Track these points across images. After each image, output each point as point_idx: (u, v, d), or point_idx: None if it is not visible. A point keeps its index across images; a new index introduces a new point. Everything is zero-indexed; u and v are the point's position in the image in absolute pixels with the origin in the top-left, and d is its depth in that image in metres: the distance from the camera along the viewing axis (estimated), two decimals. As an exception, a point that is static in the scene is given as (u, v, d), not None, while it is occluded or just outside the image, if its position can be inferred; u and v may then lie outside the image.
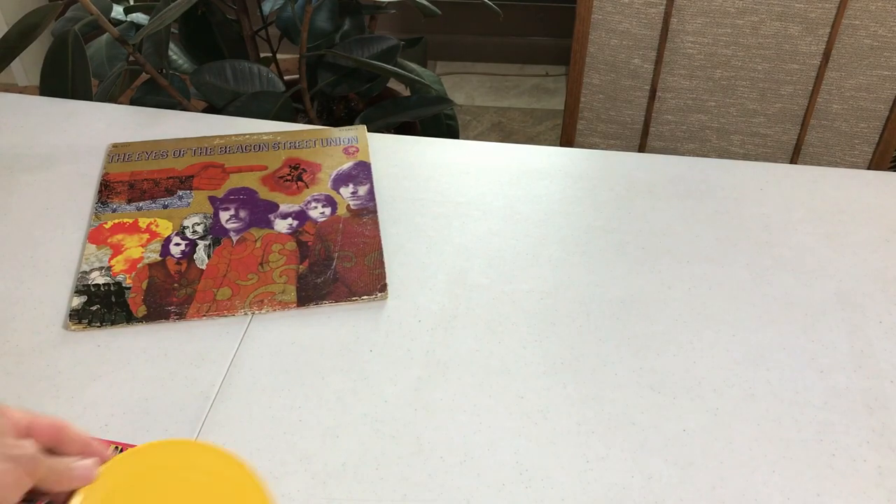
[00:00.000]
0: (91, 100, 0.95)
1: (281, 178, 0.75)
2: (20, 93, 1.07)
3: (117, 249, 0.68)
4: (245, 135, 0.79)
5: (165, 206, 0.72)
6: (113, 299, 0.63)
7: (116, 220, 0.70)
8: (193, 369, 0.59)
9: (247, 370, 0.59)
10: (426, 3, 1.22)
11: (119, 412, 0.56)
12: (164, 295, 0.64)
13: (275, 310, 0.63)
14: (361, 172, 0.75)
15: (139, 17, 1.11)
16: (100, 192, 0.73)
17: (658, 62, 1.30)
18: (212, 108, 1.17)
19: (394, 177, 0.76)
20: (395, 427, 0.55)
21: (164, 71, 1.07)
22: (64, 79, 0.95)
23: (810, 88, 1.28)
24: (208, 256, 0.67)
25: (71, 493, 0.41)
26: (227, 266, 0.66)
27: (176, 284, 0.65)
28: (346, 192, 0.73)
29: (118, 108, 0.85)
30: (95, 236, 0.69)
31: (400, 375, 0.58)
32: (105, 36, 1.14)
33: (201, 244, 0.68)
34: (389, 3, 1.22)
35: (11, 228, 0.71)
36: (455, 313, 0.63)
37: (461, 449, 0.54)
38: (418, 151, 0.79)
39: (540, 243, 0.69)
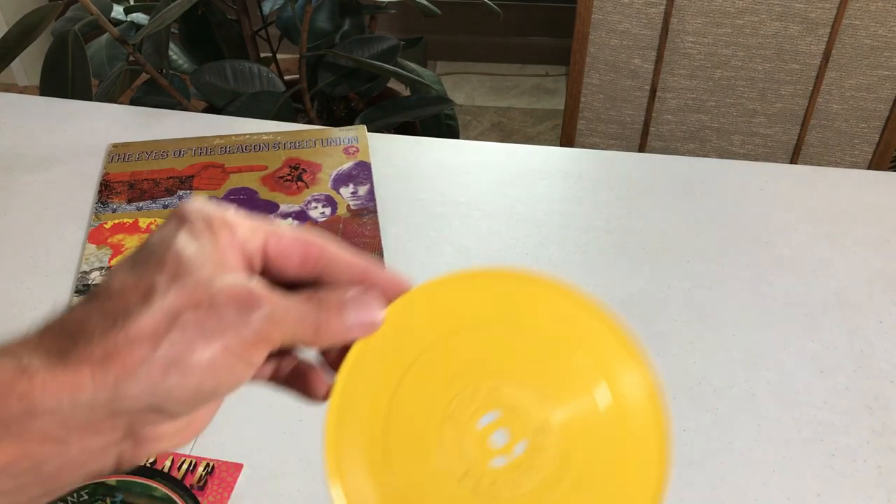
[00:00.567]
0: (91, 100, 0.95)
1: (281, 178, 0.75)
2: (20, 93, 1.07)
3: (117, 249, 0.68)
4: (245, 135, 0.79)
5: (166, 206, 0.72)
6: (113, 299, 0.63)
7: (116, 221, 0.70)
8: (193, 369, 0.58)
9: (247, 370, 0.59)
10: (426, 3, 1.22)
11: (119, 412, 0.56)
12: (164, 295, 0.64)
13: (275, 310, 0.63)
14: (361, 172, 0.75)
15: (139, 17, 1.11)
16: (100, 192, 0.73)
17: (658, 62, 1.30)
18: (212, 108, 1.17)
19: (394, 177, 0.76)
20: (396, 427, 0.55)
21: (164, 71, 1.07)
22: (64, 79, 0.95)
23: (810, 88, 1.28)
24: (208, 256, 0.67)
25: (344, 350, 0.30)
26: (227, 266, 0.66)
27: (176, 284, 0.64)
28: (346, 192, 0.73)
29: (118, 108, 0.85)
30: (95, 236, 0.69)
31: (400, 375, 0.58)
32: (105, 36, 1.14)
33: (201, 244, 0.68)
34: (389, 3, 1.22)
35: (11, 228, 0.71)
36: (455, 313, 0.63)
37: (461, 449, 0.54)
38: (418, 151, 0.79)
39: (540, 243, 0.69)
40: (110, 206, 0.72)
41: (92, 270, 0.66)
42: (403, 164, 0.77)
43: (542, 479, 0.29)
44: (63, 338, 0.25)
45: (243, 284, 0.26)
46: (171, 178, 0.75)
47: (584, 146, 1.49)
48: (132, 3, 1.15)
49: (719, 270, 0.66)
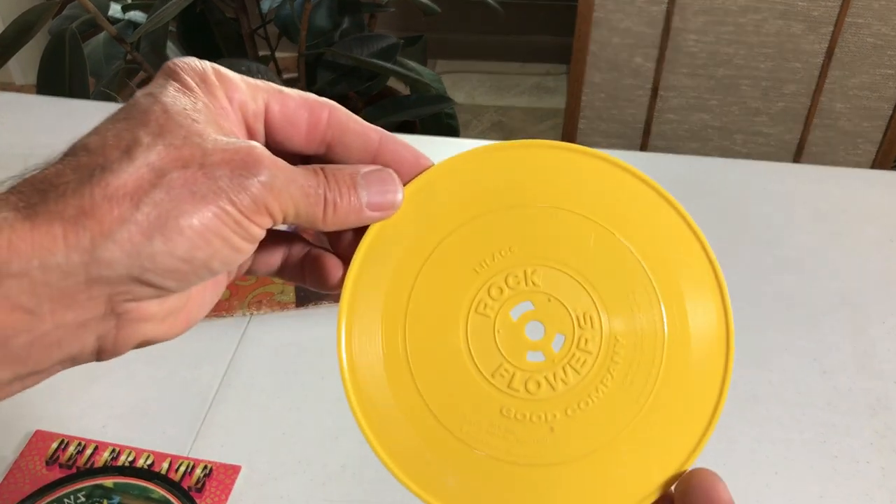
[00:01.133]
0: (88, 98, 0.95)
1: (280, 177, 0.74)
2: (17, 91, 1.07)
3: (115, 249, 0.67)
4: (244, 134, 0.79)
5: (163, 206, 0.71)
6: (110, 299, 0.63)
7: (114, 220, 0.70)
8: (191, 370, 0.58)
9: (245, 371, 0.58)
10: (426, 1, 1.22)
11: (117, 413, 0.55)
12: (162, 295, 0.63)
13: (273, 310, 0.62)
14: (361, 171, 0.75)
15: (137, 16, 1.10)
16: (97, 191, 0.73)
17: (660, 61, 1.29)
18: (211, 107, 1.16)
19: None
20: (395, 429, 0.54)
21: (162, 69, 1.07)
22: (61, 77, 0.95)
23: (813, 87, 1.27)
24: (206, 256, 0.66)
25: (356, 238, 0.27)
26: (225, 266, 0.66)
27: (174, 284, 0.64)
28: (345, 191, 0.73)
29: (116, 106, 0.85)
30: (93, 236, 0.68)
31: (399, 376, 0.58)
32: (102, 34, 1.14)
33: (199, 244, 0.67)
34: (389, 1, 1.21)
35: (8, 228, 0.70)
36: (455, 314, 0.62)
37: (461, 451, 0.53)
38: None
39: (540, 243, 0.69)
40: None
41: (89, 270, 0.65)
42: (403, 163, 0.76)
43: (585, 380, 0.26)
44: (32, 194, 0.22)
45: (241, 143, 0.23)
46: (169, 177, 0.74)
47: (585, 145, 1.48)
48: (130, 1, 1.15)
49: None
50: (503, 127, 1.96)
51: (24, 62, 1.98)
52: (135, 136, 0.23)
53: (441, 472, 0.25)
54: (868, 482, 0.51)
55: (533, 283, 0.26)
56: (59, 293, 0.21)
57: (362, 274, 0.27)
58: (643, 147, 1.43)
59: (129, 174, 0.22)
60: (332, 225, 0.25)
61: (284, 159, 0.24)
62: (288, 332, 0.61)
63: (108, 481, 0.50)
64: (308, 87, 1.20)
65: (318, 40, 1.18)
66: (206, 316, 0.63)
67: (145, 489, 0.50)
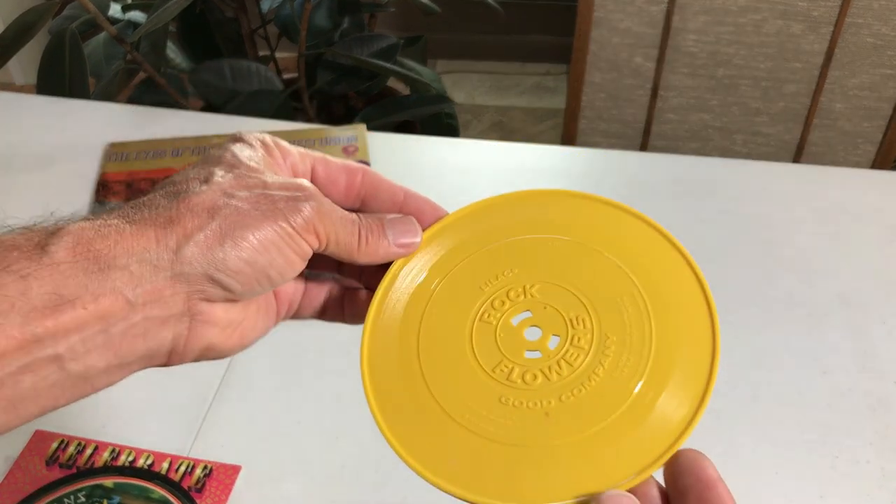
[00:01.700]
0: (88, 98, 0.95)
1: (280, 177, 0.74)
2: (17, 91, 1.07)
3: (115, 249, 0.67)
4: (244, 134, 0.79)
5: (163, 206, 0.71)
6: (110, 300, 0.63)
7: (114, 220, 0.70)
8: (191, 370, 0.58)
9: (245, 371, 0.58)
10: (426, 1, 1.22)
11: (116, 414, 0.55)
12: (162, 295, 0.63)
13: (273, 310, 0.62)
14: (361, 171, 0.75)
15: (137, 16, 1.10)
16: (97, 191, 0.73)
17: (660, 61, 1.29)
18: (210, 107, 1.16)
19: (393, 176, 0.75)
20: (395, 429, 0.54)
21: (161, 69, 1.07)
22: (61, 77, 0.95)
23: (813, 87, 1.27)
24: (206, 256, 0.66)
25: (382, 270, 0.32)
26: (225, 266, 0.66)
27: (173, 285, 0.64)
28: (345, 191, 0.73)
29: (116, 106, 0.85)
30: (93, 236, 0.68)
31: (399, 376, 0.58)
32: (102, 34, 1.14)
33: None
34: (389, 0, 1.21)
35: (8, 228, 0.70)
36: (455, 314, 0.62)
37: (461, 451, 0.53)
38: (418, 150, 0.78)
39: (540, 243, 0.69)
40: (107, 205, 0.71)
41: (89, 270, 0.65)
42: (403, 163, 0.77)
43: (577, 371, 0.28)
44: (134, 212, 0.27)
45: (295, 179, 0.30)
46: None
47: (585, 145, 1.48)
48: (130, 1, 1.14)
49: (721, 270, 0.66)
50: (503, 127, 1.96)
51: (24, 62, 1.98)
52: (210, 171, 0.29)
53: (445, 455, 0.28)
54: (868, 482, 0.51)
55: (531, 296, 0.30)
56: (151, 287, 0.26)
57: (387, 292, 0.31)
58: (643, 147, 1.43)
59: (207, 194, 0.27)
60: (364, 255, 0.31)
61: None
62: (288, 332, 0.61)
63: (108, 481, 0.50)
64: (308, 87, 1.20)
65: (318, 40, 1.18)
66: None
67: (145, 489, 0.50)
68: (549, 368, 0.28)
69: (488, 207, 0.33)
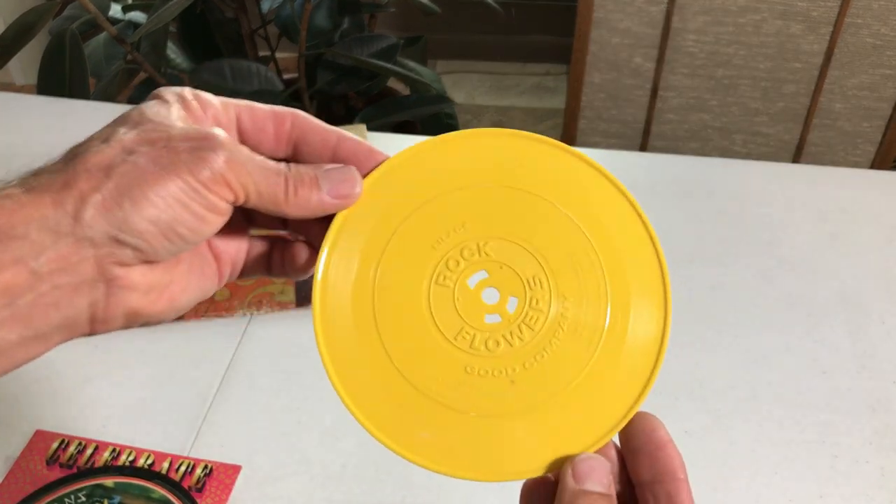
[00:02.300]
0: (89, 99, 0.95)
1: (280, 177, 0.74)
2: (17, 92, 1.07)
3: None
4: (244, 134, 0.79)
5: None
6: (110, 300, 0.63)
7: (114, 220, 0.70)
8: (191, 370, 0.58)
9: (245, 371, 0.58)
10: (426, 1, 1.22)
11: (116, 413, 0.55)
12: (162, 295, 0.63)
13: (273, 310, 0.62)
14: (361, 172, 0.75)
15: (137, 16, 1.10)
16: (97, 191, 0.73)
17: (660, 61, 1.29)
18: (211, 107, 1.16)
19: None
20: (395, 429, 0.54)
21: (162, 70, 1.07)
22: (61, 78, 0.95)
23: (812, 87, 1.27)
24: (206, 256, 0.66)
25: (326, 221, 0.29)
26: (225, 266, 0.66)
27: (174, 285, 0.64)
28: (345, 191, 0.73)
29: (116, 107, 0.85)
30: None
31: (399, 376, 0.58)
32: (103, 34, 1.14)
33: (199, 244, 0.68)
34: (389, 1, 1.21)
35: (8, 228, 0.70)
36: (455, 314, 0.62)
37: (461, 451, 0.53)
38: (418, 150, 0.78)
39: (540, 243, 0.69)
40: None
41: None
42: (403, 163, 0.77)
43: (539, 335, 0.28)
44: (32, 178, 0.26)
45: (203, 129, 0.27)
46: (169, 177, 0.74)
47: (585, 145, 1.48)
48: (130, 1, 1.15)
49: (721, 270, 0.66)
50: (503, 127, 1.96)
51: (25, 62, 1.98)
52: (113, 130, 0.27)
53: (414, 428, 0.28)
54: (868, 482, 0.51)
55: (486, 254, 0.29)
56: (55, 255, 0.25)
57: (332, 255, 0.29)
58: (643, 147, 1.43)
59: (105, 153, 0.26)
60: (294, 208, 0.28)
61: None
62: (288, 332, 0.61)
63: (109, 481, 0.50)
64: (308, 87, 1.20)
65: (318, 40, 1.18)
66: (207, 316, 0.64)
67: (146, 489, 0.50)
68: (511, 334, 0.28)
69: (434, 148, 0.31)
